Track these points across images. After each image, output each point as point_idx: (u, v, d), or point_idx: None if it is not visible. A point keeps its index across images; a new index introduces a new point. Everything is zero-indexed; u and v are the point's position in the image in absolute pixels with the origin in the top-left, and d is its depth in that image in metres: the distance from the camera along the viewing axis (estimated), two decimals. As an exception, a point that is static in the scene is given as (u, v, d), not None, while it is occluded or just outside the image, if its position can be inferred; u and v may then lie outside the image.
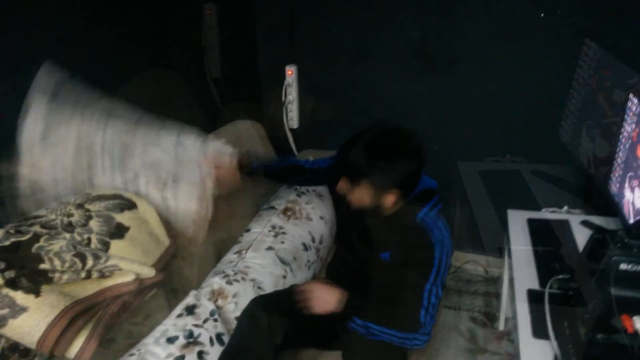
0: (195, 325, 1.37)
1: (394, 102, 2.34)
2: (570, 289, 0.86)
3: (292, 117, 2.47)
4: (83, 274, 1.18)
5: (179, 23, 2.02)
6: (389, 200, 1.43)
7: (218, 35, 2.22)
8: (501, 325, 2.10)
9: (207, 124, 2.10)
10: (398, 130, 1.43)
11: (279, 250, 1.72)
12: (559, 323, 0.91)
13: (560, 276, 0.89)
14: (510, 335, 2.08)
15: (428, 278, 1.39)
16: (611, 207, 1.77)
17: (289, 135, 2.52)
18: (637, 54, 1.43)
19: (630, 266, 0.76)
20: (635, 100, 1.62)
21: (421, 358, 1.81)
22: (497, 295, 2.29)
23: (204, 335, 1.35)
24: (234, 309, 1.48)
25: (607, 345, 0.76)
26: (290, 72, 2.38)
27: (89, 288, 1.20)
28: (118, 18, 1.69)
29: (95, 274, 1.19)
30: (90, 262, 1.18)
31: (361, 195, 1.44)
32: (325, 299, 1.46)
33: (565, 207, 2.15)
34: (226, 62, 2.28)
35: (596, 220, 1.82)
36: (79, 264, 1.17)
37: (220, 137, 2.12)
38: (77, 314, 1.13)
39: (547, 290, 0.85)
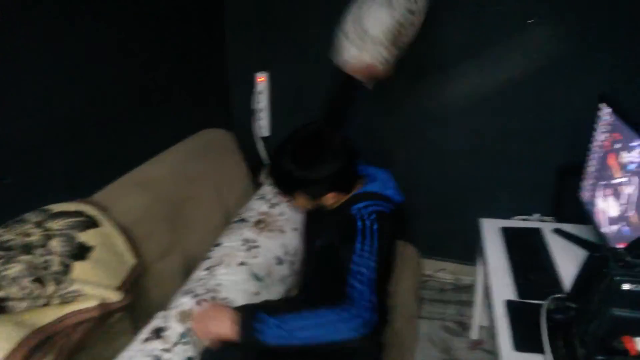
0: (164, 350, 1.29)
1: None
2: (567, 307, 0.84)
3: (262, 125, 2.40)
4: (42, 301, 1.09)
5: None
6: (329, 200, 1.42)
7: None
8: (474, 334, 2.10)
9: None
10: (317, 134, 1.40)
11: (253, 265, 1.65)
12: (552, 341, 0.89)
13: (558, 295, 0.87)
14: (483, 344, 2.07)
15: (353, 249, 1.26)
16: (583, 215, 1.79)
17: (260, 144, 2.46)
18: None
19: (632, 286, 0.74)
20: (607, 110, 1.64)
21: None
22: (470, 304, 2.29)
23: (174, 360, 1.28)
24: (206, 330, 1.41)
25: (607, 367, 0.74)
26: (261, 79, 2.32)
27: (50, 315, 1.10)
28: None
29: (56, 300, 1.10)
30: (51, 288, 1.09)
31: (300, 203, 1.46)
32: (214, 320, 1.28)
33: (536, 215, 2.18)
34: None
35: (568, 228, 1.83)
36: (39, 290, 1.08)
37: (192, 144, 2.06)
38: (36, 345, 1.04)
39: (544, 309, 0.83)
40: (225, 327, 1.24)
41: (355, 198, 1.42)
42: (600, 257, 0.80)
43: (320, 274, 1.44)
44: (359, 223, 1.31)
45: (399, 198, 1.49)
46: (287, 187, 1.43)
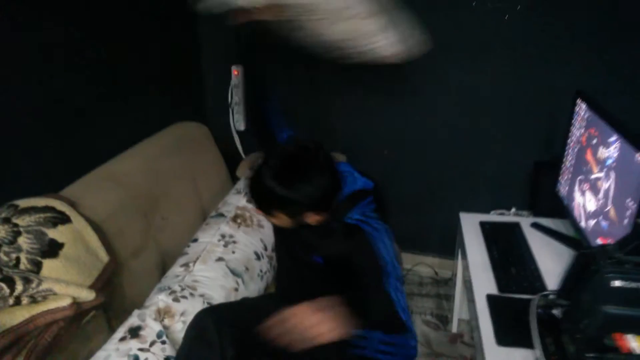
0: (141, 350, 1.25)
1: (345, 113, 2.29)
2: (557, 304, 0.83)
3: (238, 119, 2.36)
4: (11, 301, 1.04)
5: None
6: (310, 219, 1.33)
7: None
8: (454, 328, 2.10)
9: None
10: (302, 151, 1.30)
11: (230, 261, 1.62)
12: (541, 338, 0.88)
13: (548, 292, 0.86)
14: (463, 337, 2.08)
15: (381, 275, 1.26)
16: (560, 209, 1.80)
17: (236, 137, 2.42)
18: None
19: (623, 283, 0.73)
20: (583, 105, 1.65)
21: None
22: (448, 297, 2.30)
23: None
24: (182, 328, 1.37)
25: (597, 365, 0.74)
26: (236, 72, 2.27)
27: (18, 315, 1.05)
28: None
29: (25, 300, 1.05)
30: (19, 287, 1.03)
31: (280, 221, 1.34)
32: (323, 326, 1.08)
33: (513, 209, 2.19)
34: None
35: (546, 222, 1.85)
36: (6, 290, 1.02)
37: (165, 137, 2.00)
38: (4, 347, 0.99)
39: (535, 308, 0.82)
40: (332, 335, 1.07)
41: (349, 200, 1.36)
42: (590, 253, 0.79)
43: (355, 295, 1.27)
44: (375, 249, 1.28)
45: (371, 183, 1.45)
46: (267, 205, 1.32)
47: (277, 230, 1.62)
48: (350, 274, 1.31)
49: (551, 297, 0.87)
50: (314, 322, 1.07)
